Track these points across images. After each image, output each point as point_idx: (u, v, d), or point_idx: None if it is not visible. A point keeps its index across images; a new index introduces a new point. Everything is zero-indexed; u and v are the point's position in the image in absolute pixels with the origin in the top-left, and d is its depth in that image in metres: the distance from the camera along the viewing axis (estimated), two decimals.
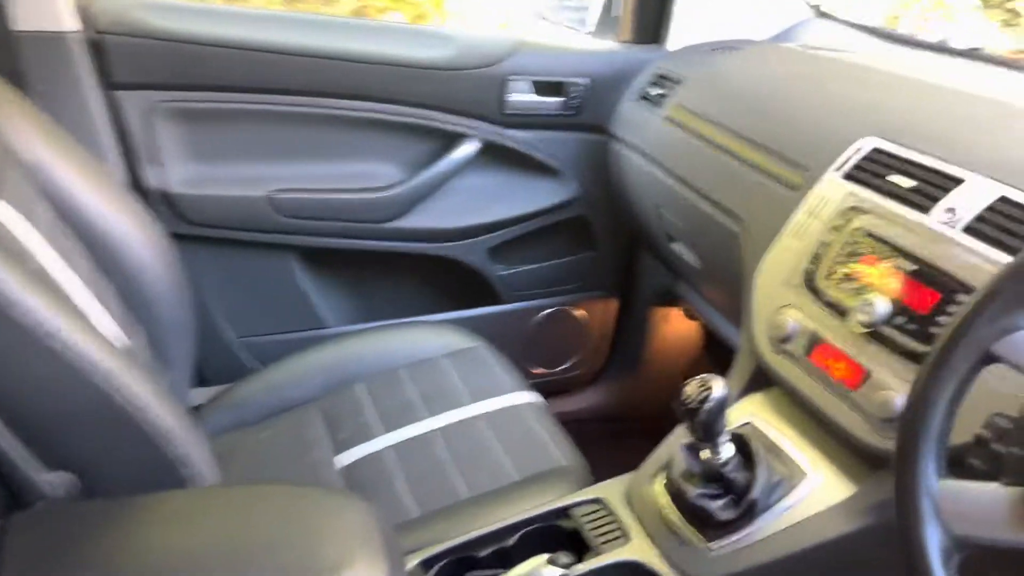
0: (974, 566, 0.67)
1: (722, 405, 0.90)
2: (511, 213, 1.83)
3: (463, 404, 1.40)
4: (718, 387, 0.90)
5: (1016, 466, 0.65)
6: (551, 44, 1.78)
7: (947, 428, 0.69)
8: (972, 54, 1.63)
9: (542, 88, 1.74)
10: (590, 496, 1.09)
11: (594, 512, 1.07)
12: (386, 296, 1.90)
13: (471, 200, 1.79)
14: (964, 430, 0.73)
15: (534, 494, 1.19)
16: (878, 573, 0.93)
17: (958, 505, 0.67)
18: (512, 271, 1.91)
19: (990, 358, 0.68)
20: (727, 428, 0.95)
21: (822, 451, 1.00)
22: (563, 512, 1.08)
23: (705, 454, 0.97)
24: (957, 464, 0.73)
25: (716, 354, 2.08)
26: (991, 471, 0.71)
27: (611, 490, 1.10)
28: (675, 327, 2.07)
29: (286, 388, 1.47)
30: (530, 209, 1.84)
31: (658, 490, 1.05)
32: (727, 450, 0.96)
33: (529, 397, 1.43)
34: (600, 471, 1.26)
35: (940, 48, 1.70)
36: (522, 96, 1.73)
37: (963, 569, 0.67)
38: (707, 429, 0.92)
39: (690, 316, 2.03)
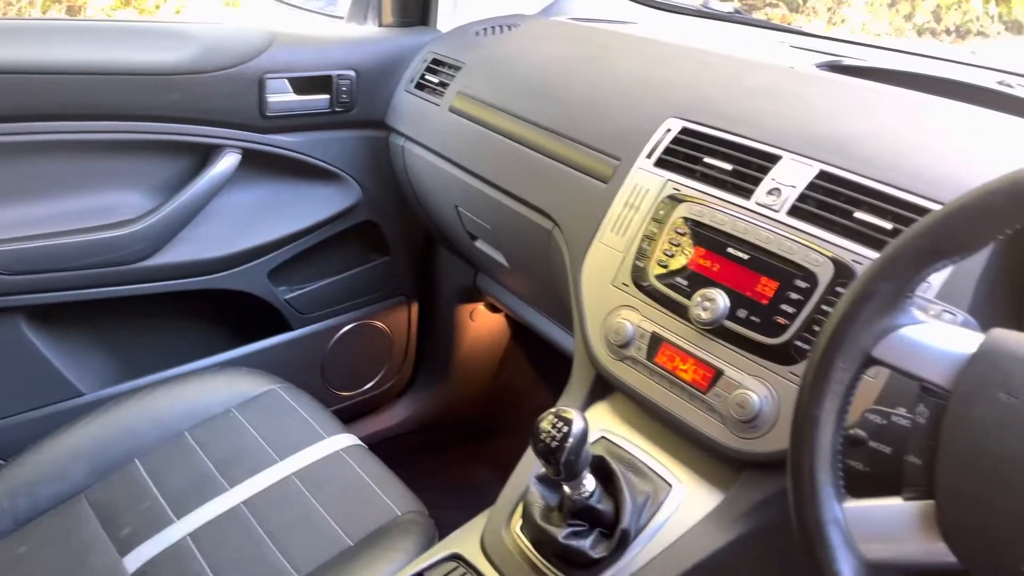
0: None
1: (583, 439, 0.80)
2: (289, 229, 1.62)
3: (268, 465, 1.20)
4: (577, 421, 0.80)
5: (914, 478, 0.60)
6: (309, 34, 1.58)
7: (838, 445, 0.64)
8: (734, 17, 1.66)
9: (305, 85, 1.54)
10: (445, 553, 0.96)
11: (453, 572, 0.94)
12: (154, 345, 1.62)
13: (240, 220, 1.56)
14: None
15: (378, 558, 1.03)
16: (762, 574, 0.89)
17: (866, 528, 0.62)
18: (299, 292, 1.70)
19: (870, 362, 0.63)
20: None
21: (681, 459, 0.94)
22: None
23: (566, 488, 0.87)
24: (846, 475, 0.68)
25: (525, 345, 2.02)
26: (878, 475, 0.66)
27: (466, 543, 0.97)
28: (481, 323, 1.97)
29: (41, 483, 1.18)
30: (310, 221, 1.64)
31: (516, 534, 0.94)
32: (589, 482, 0.87)
33: (344, 440, 1.26)
34: (432, 495, 1.13)
35: (702, 13, 1.72)
36: (283, 96, 1.52)
37: None
38: (570, 468, 0.82)
39: (493, 309, 1.95)
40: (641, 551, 0.88)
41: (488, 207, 1.37)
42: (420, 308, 1.94)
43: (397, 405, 2.02)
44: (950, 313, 0.73)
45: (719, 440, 0.88)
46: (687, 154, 1.02)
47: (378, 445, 1.58)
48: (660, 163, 1.04)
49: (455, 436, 2.05)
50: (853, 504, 0.63)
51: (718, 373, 0.89)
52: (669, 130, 1.06)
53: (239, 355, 1.63)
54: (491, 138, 1.34)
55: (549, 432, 0.80)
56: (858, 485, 0.66)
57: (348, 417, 1.86)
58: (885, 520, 0.61)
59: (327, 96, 1.56)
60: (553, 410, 0.82)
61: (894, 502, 0.61)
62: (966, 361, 0.58)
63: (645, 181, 1.04)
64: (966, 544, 0.56)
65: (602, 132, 1.15)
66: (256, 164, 1.54)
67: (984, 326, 0.63)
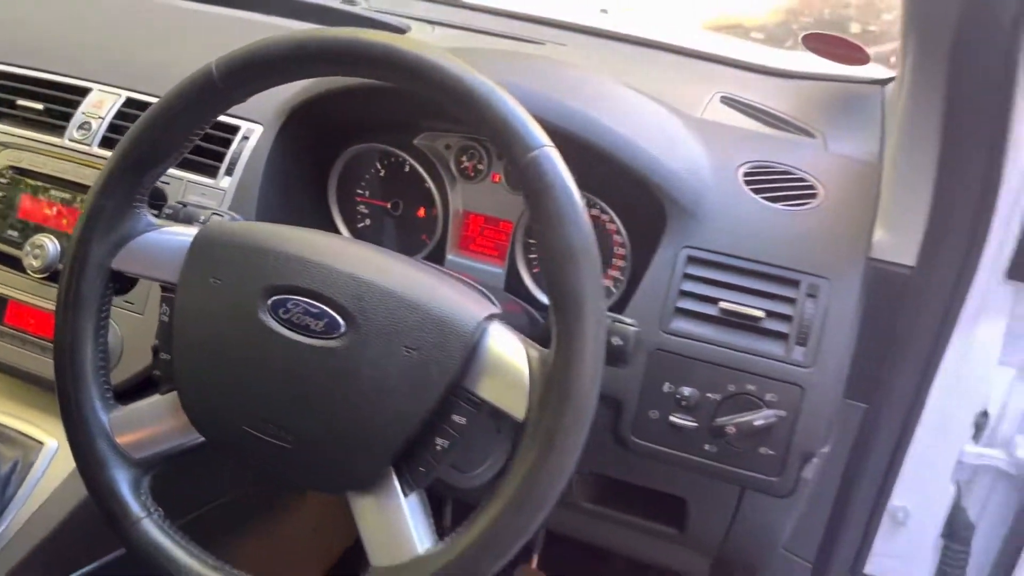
0: None
1: None
2: None
3: None
4: None
5: (165, 371, 0.65)
6: None
7: (99, 361, 0.66)
8: None
9: None
10: None
11: None
12: None
13: None
14: None
15: None
16: None
17: (130, 430, 0.65)
18: None
19: (116, 275, 0.66)
20: None
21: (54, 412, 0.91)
22: None
23: None
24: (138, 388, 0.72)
25: None
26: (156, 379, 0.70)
27: None
28: None
29: None
30: None
31: None
32: None
33: None
34: None
35: None
36: None
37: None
38: None
39: None
40: (16, 516, 0.84)
41: None
42: None
43: None
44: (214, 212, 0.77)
45: None
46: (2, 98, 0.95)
47: None
48: None
49: None
50: (119, 412, 0.66)
51: None
52: None
53: None
54: None
55: None
56: (134, 392, 0.70)
57: None
58: (146, 417, 0.65)
59: None
60: None
61: (153, 399, 0.66)
62: (185, 255, 0.63)
63: None
64: (204, 419, 0.63)
65: None
66: None
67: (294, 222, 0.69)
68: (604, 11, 1.45)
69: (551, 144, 0.55)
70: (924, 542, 0.94)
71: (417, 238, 0.92)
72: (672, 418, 0.73)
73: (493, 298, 0.63)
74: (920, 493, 0.90)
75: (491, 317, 0.58)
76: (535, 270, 0.88)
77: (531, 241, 0.88)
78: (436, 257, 0.91)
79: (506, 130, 0.54)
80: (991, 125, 0.65)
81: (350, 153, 0.91)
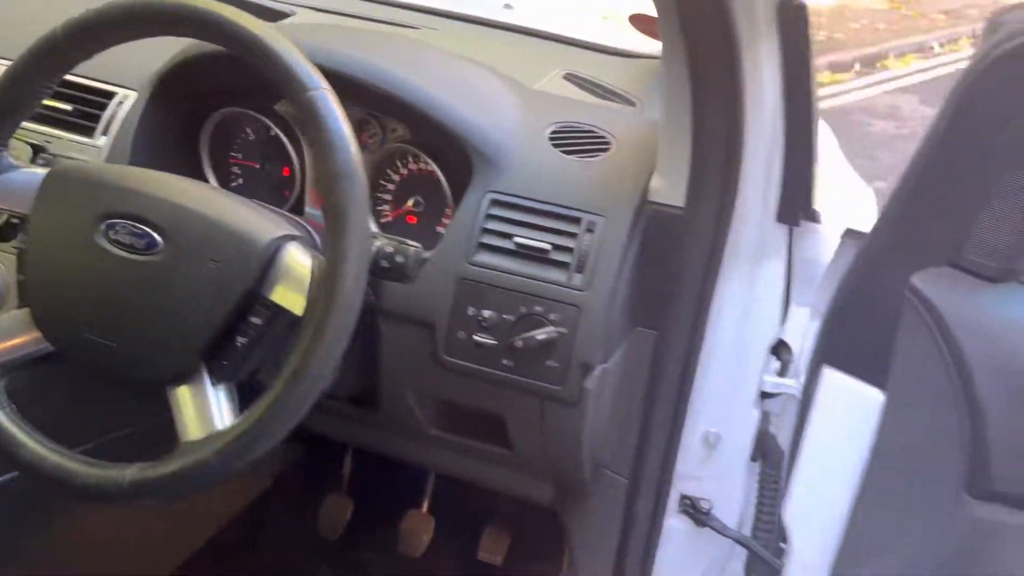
0: None
1: None
2: None
3: None
4: None
5: (21, 290, 0.76)
6: None
7: None
8: None
9: None
10: None
11: None
12: None
13: None
14: None
15: None
16: None
17: None
18: None
19: None
20: None
21: None
22: None
23: None
24: None
25: None
26: None
27: None
28: None
29: None
30: None
31: None
32: None
33: None
34: None
35: None
36: None
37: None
38: None
39: None
40: None
41: None
42: None
43: None
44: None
45: None
46: None
47: None
48: None
49: None
50: None
51: None
52: None
53: None
54: None
55: None
56: None
57: None
58: (3, 331, 0.76)
59: None
60: None
61: (11, 314, 0.77)
62: (38, 189, 0.75)
63: None
64: (50, 328, 0.74)
65: None
66: None
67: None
68: (508, 6, 1.57)
69: (327, 87, 0.67)
70: (735, 465, 1.06)
71: (281, 194, 1.04)
72: (476, 337, 0.85)
73: (293, 222, 0.75)
74: (728, 420, 1.03)
75: (286, 237, 0.70)
76: (383, 220, 1.00)
77: (377, 194, 1.00)
78: (297, 210, 1.02)
79: (286, 72, 0.66)
80: (726, 85, 0.78)
81: (217, 117, 1.02)
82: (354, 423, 1.11)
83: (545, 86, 1.08)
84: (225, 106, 1.01)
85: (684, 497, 1.06)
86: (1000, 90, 0.70)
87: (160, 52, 0.96)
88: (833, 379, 0.86)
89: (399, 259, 0.75)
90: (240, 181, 1.06)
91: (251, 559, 1.47)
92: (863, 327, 0.81)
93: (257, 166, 1.05)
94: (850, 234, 0.89)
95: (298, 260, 0.69)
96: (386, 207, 0.99)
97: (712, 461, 1.05)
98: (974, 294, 0.71)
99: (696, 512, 1.05)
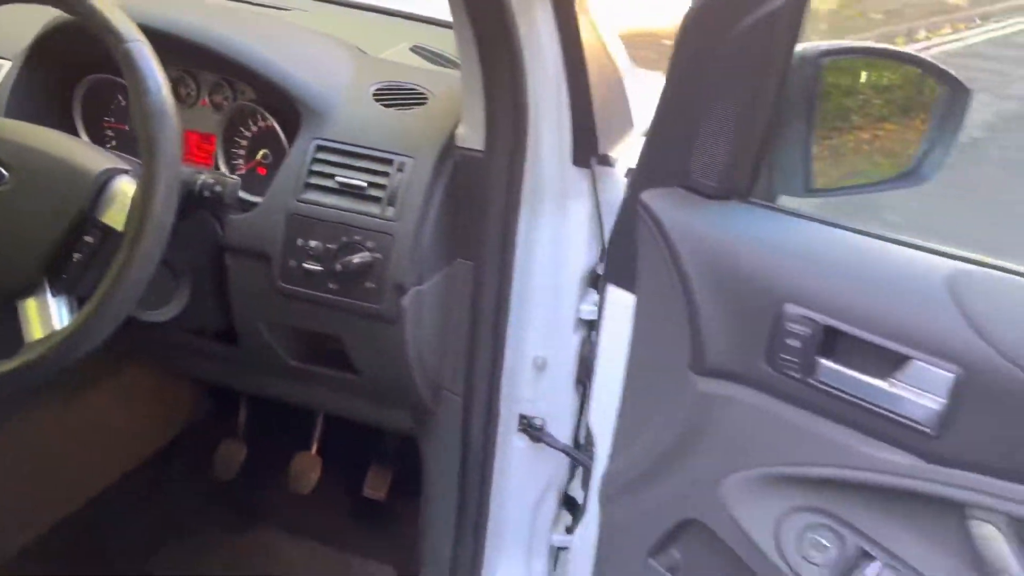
0: None
1: None
2: None
3: None
4: None
5: None
6: None
7: None
8: None
9: None
10: None
11: None
12: None
13: None
14: None
15: None
16: None
17: None
18: None
19: None
20: None
21: None
22: None
23: None
24: None
25: None
26: None
27: None
28: None
29: None
30: None
31: None
32: None
33: None
34: None
35: None
36: None
37: None
38: None
39: None
40: None
41: None
42: None
43: None
44: None
45: None
46: None
47: None
48: None
49: None
50: None
51: None
52: None
53: None
54: None
55: None
56: None
57: None
58: None
59: None
60: None
61: None
62: None
63: None
64: None
65: None
66: None
67: None
68: None
69: (143, 40, 0.80)
70: (564, 386, 1.20)
71: None
72: (305, 265, 0.99)
73: (130, 161, 0.88)
74: (553, 345, 1.17)
75: (117, 169, 0.83)
76: (237, 172, 1.13)
77: (232, 150, 1.12)
78: None
79: (106, 26, 0.80)
80: (505, 45, 0.92)
81: (87, 83, 1.14)
82: (225, 363, 1.24)
83: (390, 56, 1.22)
84: (92, 72, 1.13)
85: (522, 417, 1.20)
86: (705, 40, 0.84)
87: (38, 25, 1.09)
88: (614, 295, 1.01)
89: (217, 188, 0.89)
90: (114, 143, 1.18)
91: (156, 500, 1.59)
92: (627, 245, 0.95)
93: (127, 128, 1.17)
94: (630, 172, 1.04)
95: (125, 188, 0.82)
96: (240, 160, 1.12)
97: (542, 383, 1.19)
98: (694, 209, 0.86)
99: (532, 429, 1.19)
